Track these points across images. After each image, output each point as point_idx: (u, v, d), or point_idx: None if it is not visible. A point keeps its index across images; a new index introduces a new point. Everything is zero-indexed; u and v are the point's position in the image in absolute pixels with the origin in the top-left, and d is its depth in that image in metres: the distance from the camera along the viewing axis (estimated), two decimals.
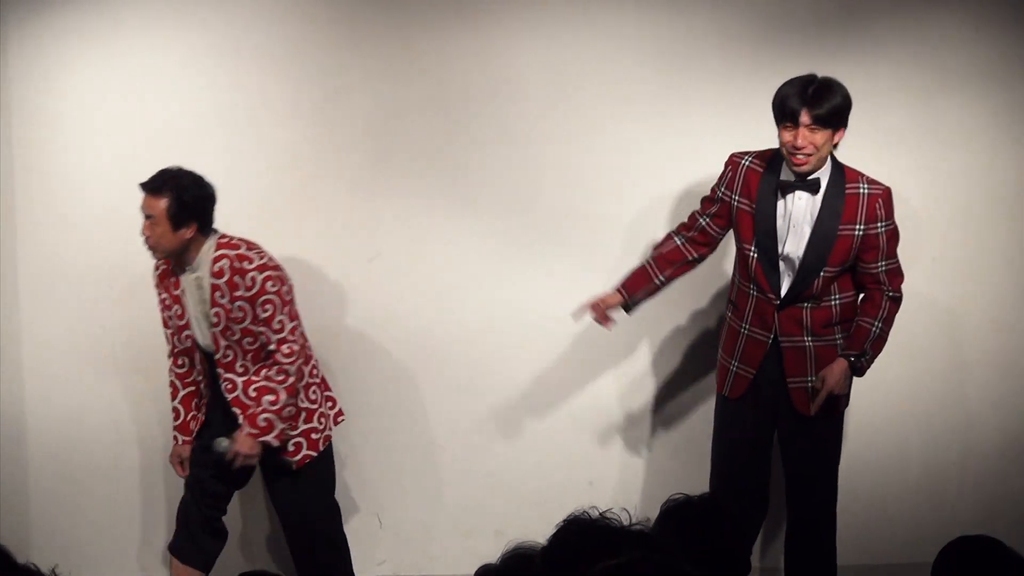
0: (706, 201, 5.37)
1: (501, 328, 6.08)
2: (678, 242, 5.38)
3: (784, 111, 5.02)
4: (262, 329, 5.15)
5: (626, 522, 3.17)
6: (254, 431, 5.16)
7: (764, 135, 5.75)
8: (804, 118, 4.99)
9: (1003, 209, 6.13)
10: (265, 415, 5.17)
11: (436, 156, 6.01)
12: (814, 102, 5.00)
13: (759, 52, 5.96)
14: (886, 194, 5.16)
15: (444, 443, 6.15)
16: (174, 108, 5.89)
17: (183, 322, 5.26)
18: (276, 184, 5.96)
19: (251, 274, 5.11)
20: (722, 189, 5.31)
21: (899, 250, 5.37)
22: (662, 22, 5.97)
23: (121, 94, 5.90)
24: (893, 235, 5.18)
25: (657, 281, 5.34)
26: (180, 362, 5.39)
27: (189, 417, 5.41)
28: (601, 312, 5.33)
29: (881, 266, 5.16)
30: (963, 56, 6.05)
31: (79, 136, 5.92)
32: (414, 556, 6.18)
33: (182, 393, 5.41)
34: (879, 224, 5.11)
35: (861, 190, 5.13)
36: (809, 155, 5.03)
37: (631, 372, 6.03)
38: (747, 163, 5.24)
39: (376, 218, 6.00)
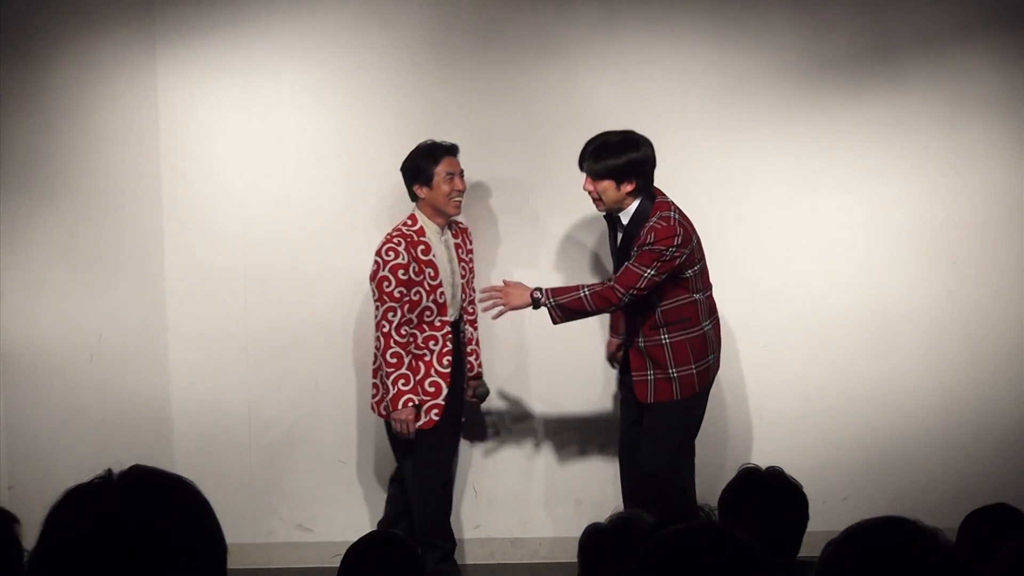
0: None
1: (577, 324, 6.20)
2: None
3: (579, 160, 5.65)
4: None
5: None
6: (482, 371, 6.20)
7: (808, 156, 6.33)
8: (585, 170, 5.62)
9: (1014, 219, 6.48)
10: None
11: (524, 177, 6.47)
12: (592, 158, 5.60)
13: (803, 85, 6.40)
14: (663, 231, 5.48)
15: (531, 421, 6.57)
16: (301, 133, 6.42)
17: (436, 281, 5.90)
18: (388, 198, 6.42)
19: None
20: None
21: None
22: (719, 60, 6.43)
23: (256, 122, 6.43)
24: (647, 255, 5.47)
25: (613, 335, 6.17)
26: (403, 332, 5.84)
27: (420, 377, 5.86)
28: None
29: (627, 263, 5.56)
30: (981, 86, 6.44)
31: (221, 157, 6.44)
32: (505, 521, 6.59)
33: (407, 360, 5.85)
34: (644, 246, 5.50)
35: (649, 223, 5.55)
36: (597, 200, 5.65)
37: None
38: None
39: (472, 229, 6.39)
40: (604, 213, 5.76)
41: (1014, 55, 6.48)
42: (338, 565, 3.60)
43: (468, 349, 6.20)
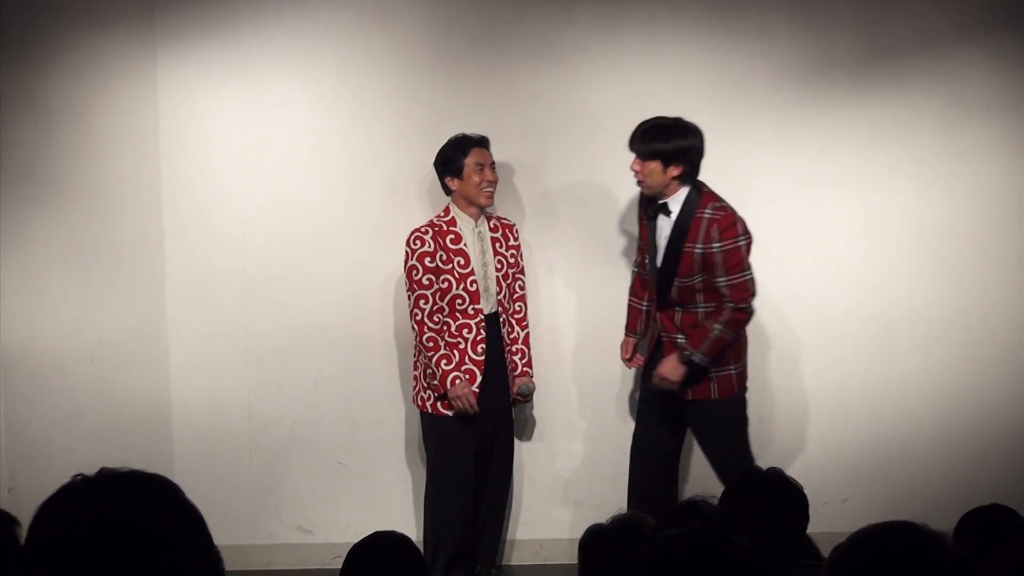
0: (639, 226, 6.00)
1: (576, 325, 6.53)
2: (634, 271, 6.11)
3: (628, 143, 5.71)
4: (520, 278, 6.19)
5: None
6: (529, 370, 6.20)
7: (808, 158, 6.35)
8: (633, 150, 5.67)
9: (1014, 222, 6.49)
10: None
11: (524, 178, 6.48)
12: (641, 138, 5.65)
13: (803, 87, 6.40)
14: (724, 220, 5.56)
15: (532, 424, 6.56)
16: (302, 134, 6.44)
17: (466, 270, 5.97)
18: (386, 200, 6.45)
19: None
20: (639, 212, 5.96)
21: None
22: (718, 61, 6.45)
23: (257, 123, 6.43)
24: (731, 255, 5.54)
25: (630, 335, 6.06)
26: (436, 319, 5.95)
27: (459, 362, 5.94)
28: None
29: (722, 281, 5.59)
30: (981, 88, 6.45)
31: (221, 158, 6.45)
32: (505, 522, 6.49)
33: (444, 343, 5.95)
34: (714, 244, 5.56)
35: (705, 215, 5.59)
36: (641, 181, 5.69)
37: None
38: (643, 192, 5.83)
39: None
40: (651, 196, 5.75)
41: (1014, 57, 6.50)
42: (339, 567, 3.60)
43: (514, 348, 6.22)
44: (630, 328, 6.13)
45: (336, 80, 6.47)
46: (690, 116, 6.25)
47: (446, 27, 6.46)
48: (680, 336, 5.74)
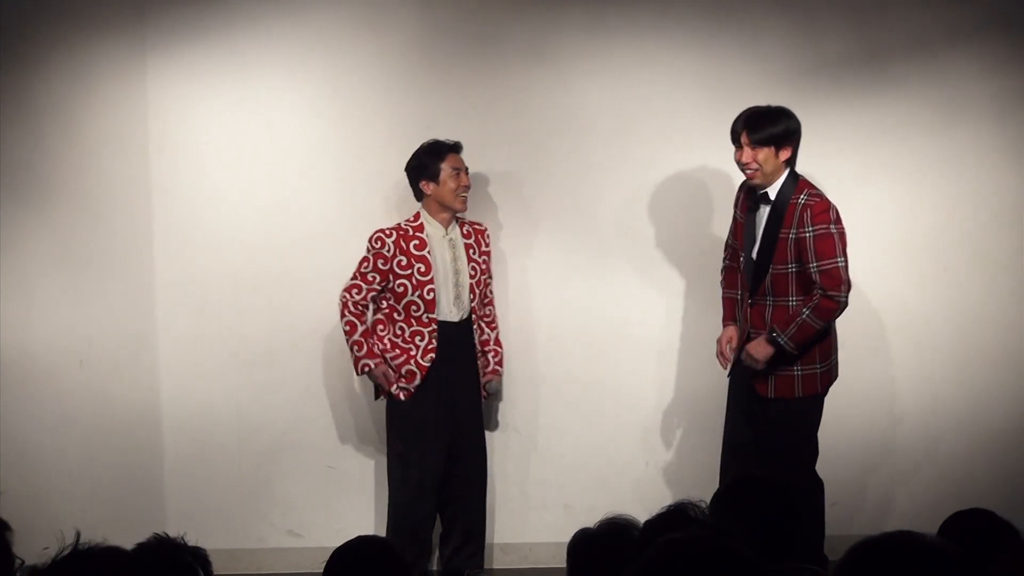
0: (732, 223, 5.97)
1: (566, 329, 6.53)
2: (725, 264, 6.02)
3: (732, 134, 5.67)
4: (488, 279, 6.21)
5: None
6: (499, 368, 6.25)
7: (800, 162, 6.23)
8: (744, 138, 5.62)
9: (1005, 225, 6.53)
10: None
11: (515, 181, 6.49)
12: (753, 125, 5.61)
13: (794, 91, 6.36)
14: (817, 205, 5.53)
15: (520, 428, 6.58)
16: (292, 138, 6.46)
17: (426, 277, 5.99)
18: (377, 203, 6.45)
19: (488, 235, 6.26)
20: (735, 210, 5.92)
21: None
22: (710, 65, 6.46)
23: (247, 127, 6.44)
24: (822, 240, 5.48)
25: (730, 323, 5.95)
26: (358, 308, 6.03)
27: (370, 345, 6.01)
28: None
29: (813, 267, 5.52)
30: (972, 91, 6.48)
31: (211, 162, 6.45)
32: (494, 526, 6.52)
33: (361, 329, 6.03)
34: (806, 229, 5.52)
35: (800, 200, 5.55)
36: (755, 170, 5.64)
37: (687, 367, 6.47)
38: (744, 184, 5.81)
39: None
40: (758, 186, 5.68)
41: (1004, 60, 6.52)
42: None
43: (485, 349, 6.25)
44: (728, 317, 6.00)
45: (327, 83, 6.47)
46: (681, 120, 6.47)
47: (437, 31, 6.46)
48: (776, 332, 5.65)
